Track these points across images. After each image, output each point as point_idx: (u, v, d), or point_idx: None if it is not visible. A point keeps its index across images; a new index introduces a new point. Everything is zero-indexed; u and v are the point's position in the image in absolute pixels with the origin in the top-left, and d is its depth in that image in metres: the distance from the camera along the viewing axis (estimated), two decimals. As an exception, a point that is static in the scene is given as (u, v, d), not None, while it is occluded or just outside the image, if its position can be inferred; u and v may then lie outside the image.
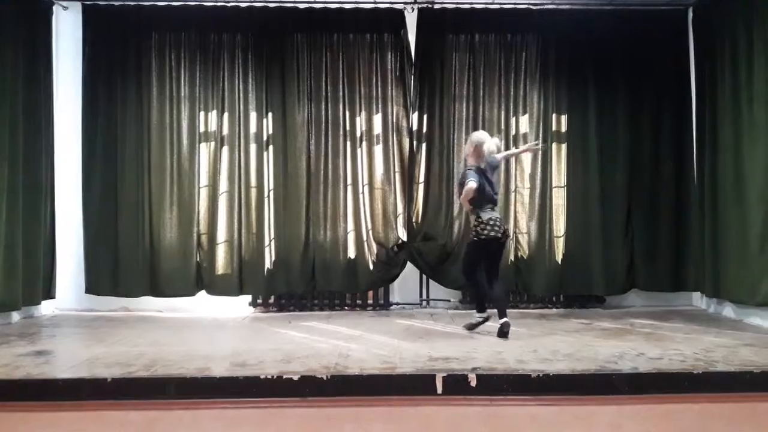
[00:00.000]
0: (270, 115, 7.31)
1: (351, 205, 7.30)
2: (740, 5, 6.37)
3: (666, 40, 7.41)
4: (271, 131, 7.32)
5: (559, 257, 7.31)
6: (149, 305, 7.20)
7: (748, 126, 6.23)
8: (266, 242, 7.23)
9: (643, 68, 7.34)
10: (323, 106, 7.31)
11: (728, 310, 6.69)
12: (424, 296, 7.43)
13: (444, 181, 7.26)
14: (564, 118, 7.41)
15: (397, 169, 7.27)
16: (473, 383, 4.17)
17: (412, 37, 7.30)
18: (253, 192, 7.28)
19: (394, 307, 7.41)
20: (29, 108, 6.63)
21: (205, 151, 7.33)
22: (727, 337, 5.53)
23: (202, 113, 7.32)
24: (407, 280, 7.40)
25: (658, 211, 7.31)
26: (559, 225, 7.35)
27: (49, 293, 7.00)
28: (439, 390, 4.16)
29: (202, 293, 7.24)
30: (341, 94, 7.32)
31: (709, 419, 3.92)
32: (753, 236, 6.10)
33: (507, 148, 7.35)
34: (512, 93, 7.38)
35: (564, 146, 7.41)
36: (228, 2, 7.30)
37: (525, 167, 7.39)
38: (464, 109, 7.35)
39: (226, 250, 7.22)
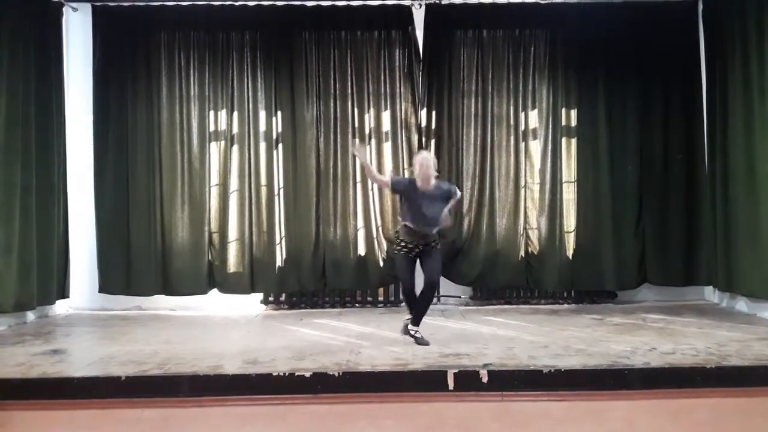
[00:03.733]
0: (279, 113, 7.33)
1: (360, 202, 7.31)
2: (751, -4, 6.32)
3: (676, 33, 7.34)
4: (280, 129, 7.34)
5: (569, 252, 7.28)
6: (162, 304, 7.25)
7: (759, 118, 6.17)
8: (277, 240, 7.26)
9: (653, 61, 7.28)
10: (332, 104, 7.33)
11: (741, 304, 6.64)
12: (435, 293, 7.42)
13: (453, 178, 7.21)
14: (574, 113, 7.37)
15: (406, 165, 7.26)
16: (485, 379, 4.17)
17: (420, 34, 7.29)
18: (264, 190, 7.30)
19: (404, 304, 7.40)
20: (41, 108, 6.68)
21: (215, 150, 7.36)
22: (740, 331, 5.49)
23: (211, 112, 7.35)
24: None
25: (670, 205, 7.26)
26: (570, 220, 7.32)
27: (63, 293, 7.05)
28: (451, 386, 4.17)
29: (214, 291, 7.28)
30: (350, 91, 7.33)
31: (723, 414, 3.90)
32: (766, 229, 6.05)
33: (517, 143, 7.36)
34: (521, 88, 7.36)
35: (574, 141, 7.37)
36: (236, 1, 7.32)
37: (535, 163, 7.36)
38: (473, 105, 7.34)
39: (238, 248, 7.26)
